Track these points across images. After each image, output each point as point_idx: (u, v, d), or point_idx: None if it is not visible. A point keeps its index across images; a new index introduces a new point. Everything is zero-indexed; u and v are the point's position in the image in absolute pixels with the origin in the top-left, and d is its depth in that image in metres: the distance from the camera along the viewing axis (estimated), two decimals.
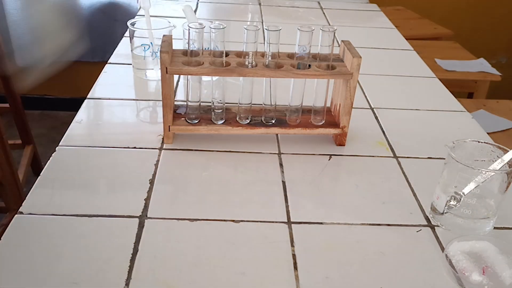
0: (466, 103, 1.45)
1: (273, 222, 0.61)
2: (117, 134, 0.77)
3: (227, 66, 0.71)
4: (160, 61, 0.69)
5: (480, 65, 1.84)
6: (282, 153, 0.75)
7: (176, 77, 0.94)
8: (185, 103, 0.75)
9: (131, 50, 0.96)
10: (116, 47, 1.09)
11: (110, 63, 1.01)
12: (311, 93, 0.75)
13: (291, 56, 0.74)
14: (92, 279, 0.51)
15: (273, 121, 0.76)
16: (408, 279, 0.54)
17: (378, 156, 0.76)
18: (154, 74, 0.95)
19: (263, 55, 0.73)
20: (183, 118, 0.75)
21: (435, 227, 0.62)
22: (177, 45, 0.78)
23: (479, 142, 0.62)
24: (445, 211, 0.60)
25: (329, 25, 1.34)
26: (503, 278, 0.53)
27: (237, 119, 0.76)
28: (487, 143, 0.62)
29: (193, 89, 0.73)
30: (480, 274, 0.53)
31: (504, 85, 1.99)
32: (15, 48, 2.08)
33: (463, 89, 1.84)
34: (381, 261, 0.56)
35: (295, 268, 0.54)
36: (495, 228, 0.62)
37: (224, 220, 0.60)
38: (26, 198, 0.61)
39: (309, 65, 0.72)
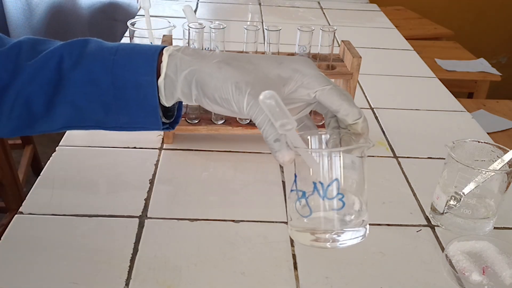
0: (466, 103, 1.45)
1: (273, 222, 0.60)
2: (117, 134, 0.76)
3: None
4: None
5: (480, 65, 1.85)
6: None
7: None
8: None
9: None
10: None
11: None
12: None
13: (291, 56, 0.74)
14: (92, 279, 0.51)
15: None
16: (408, 279, 0.54)
17: (378, 156, 0.76)
18: None
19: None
20: (183, 118, 0.75)
21: (435, 227, 0.62)
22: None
23: (479, 142, 0.62)
24: (445, 211, 0.60)
25: (329, 25, 1.34)
26: (503, 278, 0.53)
27: (237, 119, 0.76)
28: (487, 143, 0.62)
29: None
30: (480, 274, 0.53)
31: (504, 85, 1.99)
32: None
33: (463, 89, 1.84)
34: (381, 261, 0.56)
35: (295, 268, 0.54)
36: (495, 228, 0.62)
37: (224, 220, 0.60)
38: (26, 198, 0.61)
39: None
